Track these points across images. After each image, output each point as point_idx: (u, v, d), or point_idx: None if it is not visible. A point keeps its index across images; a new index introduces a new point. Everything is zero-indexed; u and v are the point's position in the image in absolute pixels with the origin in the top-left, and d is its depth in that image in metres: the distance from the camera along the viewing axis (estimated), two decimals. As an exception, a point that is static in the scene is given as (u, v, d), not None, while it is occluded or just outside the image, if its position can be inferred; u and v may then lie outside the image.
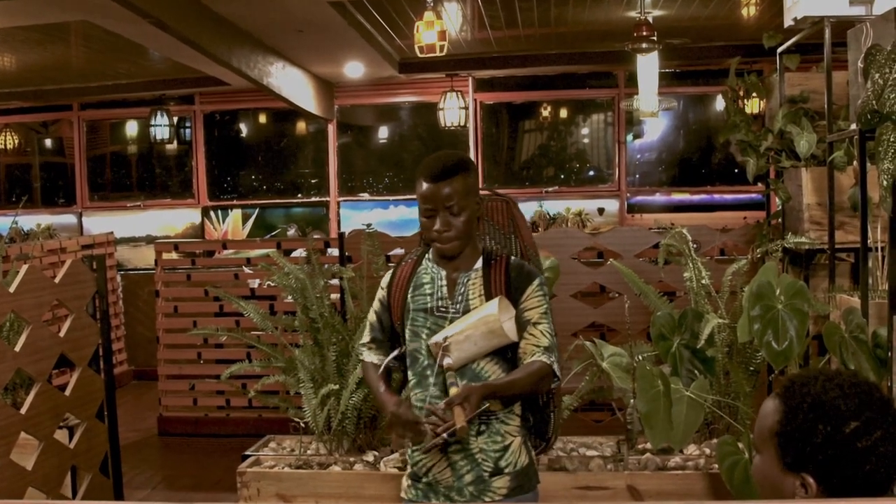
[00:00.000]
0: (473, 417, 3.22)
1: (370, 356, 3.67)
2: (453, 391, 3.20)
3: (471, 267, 3.49)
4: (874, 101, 4.20)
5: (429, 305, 3.48)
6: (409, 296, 3.53)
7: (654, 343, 5.03)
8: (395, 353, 3.59)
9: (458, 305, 3.45)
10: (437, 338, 3.37)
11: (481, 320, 3.34)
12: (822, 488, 2.06)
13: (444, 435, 3.14)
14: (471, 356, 3.37)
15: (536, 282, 3.49)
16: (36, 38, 9.08)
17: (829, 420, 2.06)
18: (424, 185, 3.40)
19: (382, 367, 3.60)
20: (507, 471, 3.45)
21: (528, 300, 3.46)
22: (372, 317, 3.68)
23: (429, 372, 3.46)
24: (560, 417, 3.80)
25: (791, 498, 2.09)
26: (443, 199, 3.37)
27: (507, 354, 3.46)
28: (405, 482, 3.62)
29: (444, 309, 3.46)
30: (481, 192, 3.55)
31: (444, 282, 3.49)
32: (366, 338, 3.70)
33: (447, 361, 3.31)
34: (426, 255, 3.59)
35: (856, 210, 5.10)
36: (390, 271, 3.68)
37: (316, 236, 11.11)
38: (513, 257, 3.56)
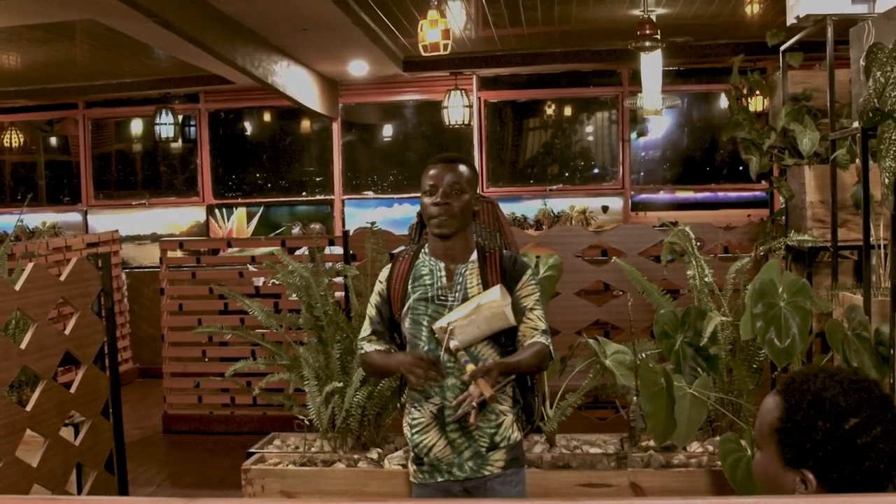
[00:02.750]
0: (500, 388, 3.62)
1: (371, 346, 3.90)
2: (469, 368, 3.49)
3: (467, 259, 3.80)
4: (875, 100, 4.21)
5: (429, 294, 3.77)
6: (409, 287, 3.80)
7: (658, 341, 5.05)
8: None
9: (456, 294, 3.75)
10: (441, 322, 3.65)
11: (484, 306, 3.63)
12: (822, 484, 2.07)
13: (475, 403, 3.45)
14: (473, 339, 3.66)
15: (529, 272, 3.85)
16: (41, 36, 9.11)
17: (829, 417, 2.07)
18: (432, 169, 3.73)
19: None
20: (501, 445, 3.78)
21: (523, 288, 3.80)
22: (371, 311, 3.94)
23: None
24: (543, 402, 4.08)
25: (791, 493, 2.11)
26: (447, 176, 3.69)
27: (500, 339, 3.76)
28: (411, 467, 3.91)
29: (443, 297, 3.76)
30: None
31: (443, 273, 3.79)
32: (366, 332, 3.94)
33: (453, 343, 3.59)
34: (422, 251, 3.88)
35: (858, 208, 5.11)
36: (387, 267, 3.95)
37: (313, 226, 11.13)
38: (504, 251, 3.91)
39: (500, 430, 3.77)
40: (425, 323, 3.74)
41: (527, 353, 3.69)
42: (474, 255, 3.80)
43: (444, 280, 3.76)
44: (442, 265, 3.78)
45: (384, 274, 3.92)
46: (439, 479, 3.79)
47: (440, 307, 3.73)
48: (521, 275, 3.80)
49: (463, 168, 3.73)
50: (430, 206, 3.69)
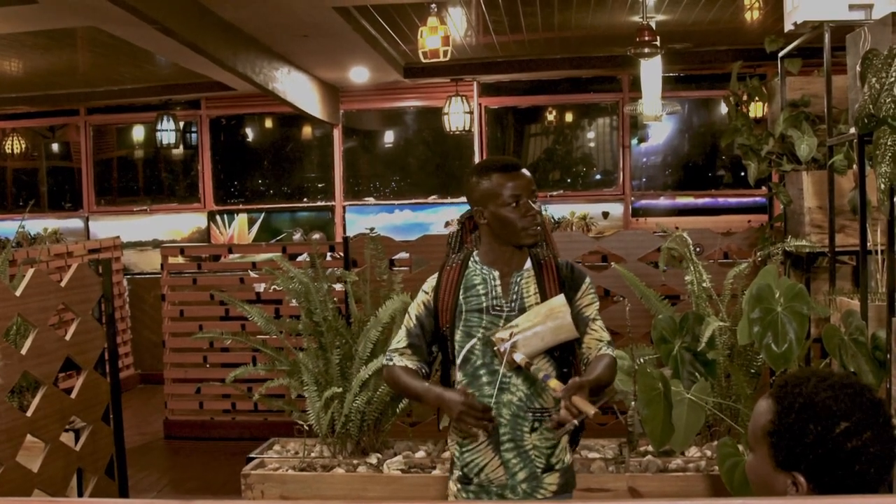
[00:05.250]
0: (601, 405, 3.45)
1: (402, 361, 3.65)
2: (553, 383, 3.31)
3: (522, 267, 3.61)
4: (871, 105, 4.23)
5: (484, 305, 3.56)
6: (460, 297, 3.59)
7: (656, 346, 5.05)
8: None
9: (513, 304, 3.55)
10: (503, 333, 3.44)
11: (549, 315, 3.44)
12: (813, 487, 2.09)
13: (576, 422, 3.22)
14: (537, 352, 3.45)
15: (588, 280, 3.67)
16: (43, 43, 9.14)
17: (820, 420, 2.09)
18: (503, 177, 3.53)
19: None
20: (557, 467, 3.57)
21: (583, 297, 3.63)
22: (410, 322, 3.69)
23: (482, 371, 3.54)
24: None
25: (782, 496, 2.12)
26: (526, 185, 3.54)
27: (554, 352, 3.55)
28: (453, 487, 3.66)
29: (499, 308, 3.55)
30: None
31: (498, 282, 3.58)
32: (401, 343, 3.68)
33: (519, 357, 3.38)
34: (471, 259, 3.66)
35: (856, 213, 5.13)
36: (434, 276, 3.72)
37: (315, 236, 11.13)
38: (559, 259, 3.69)
39: (556, 452, 3.56)
40: (479, 335, 3.54)
41: (601, 366, 3.48)
42: (528, 263, 3.61)
43: (498, 290, 3.56)
44: (496, 273, 3.59)
45: (430, 284, 3.69)
46: (487, 502, 3.55)
47: (495, 318, 3.54)
48: (581, 283, 3.63)
49: (529, 172, 3.60)
50: (521, 219, 3.51)
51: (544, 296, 3.54)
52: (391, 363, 3.68)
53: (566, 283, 3.59)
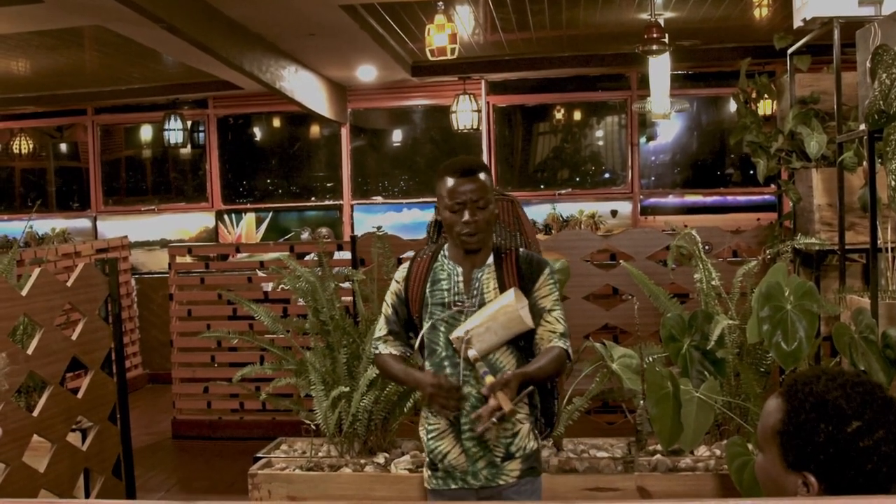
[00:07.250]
0: (519, 400, 3.48)
1: (387, 348, 3.83)
2: (489, 379, 3.41)
3: (484, 262, 3.72)
4: (881, 101, 4.19)
5: (446, 300, 3.70)
6: (426, 291, 3.73)
7: (665, 344, 5.03)
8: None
9: (473, 299, 3.67)
10: (458, 332, 3.58)
11: (500, 311, 3.56)
12: (824, 487, 2.06)
13: (494, 419, 3.34)
14: (492, 346, 3.59)
15: (547, 270, 3.74)
16: (50, 43, 9.14)
17: (831, 419, 2.06)
18: (452, 181, 3.63)
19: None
20: (517, 455, 3.70)
21: (540, 289, 3.71)
22: (387, 310, 3.86)
23: (446, 363, 3.67)
24: (562, 405, 3.97)
25: (793, 496, 2.10)
26: (471, 192, 3.58)
27: (519, 343, 3.69)
28: (426, 472, 3.84)
29: (460, 303, 3.68)
30: None
31: (461, 277, 3.71)
32: (381, 332, 3.87)
33: (471, 353, 3.52)
34: (440, 253, 3.79)
35: (866, 211, 5.09)
36: (405, 266, 3.87)
37: (321, 230, 11.11)
38: (521, 250, 3.79)
39: (516, 440, 3.68)
40: (443, 329, 3.67)
41: (544, 359, 3.59)
42: (491, 258, 3.72)
43: (461, 285, 3.68)
44: (460, 270, 3.70)
45: (401, 273, 3.84)
46: (453, 487, 3.71)
47: (457, 313, 3.66)
48: (538, 274, 3.70)
49: (483, 177, 3.63)
50: (457, 224, 3.59)
51: (503, 290, 3.65)
52: (377, 351, 3.86)
53: (525, 275, 3.70)
